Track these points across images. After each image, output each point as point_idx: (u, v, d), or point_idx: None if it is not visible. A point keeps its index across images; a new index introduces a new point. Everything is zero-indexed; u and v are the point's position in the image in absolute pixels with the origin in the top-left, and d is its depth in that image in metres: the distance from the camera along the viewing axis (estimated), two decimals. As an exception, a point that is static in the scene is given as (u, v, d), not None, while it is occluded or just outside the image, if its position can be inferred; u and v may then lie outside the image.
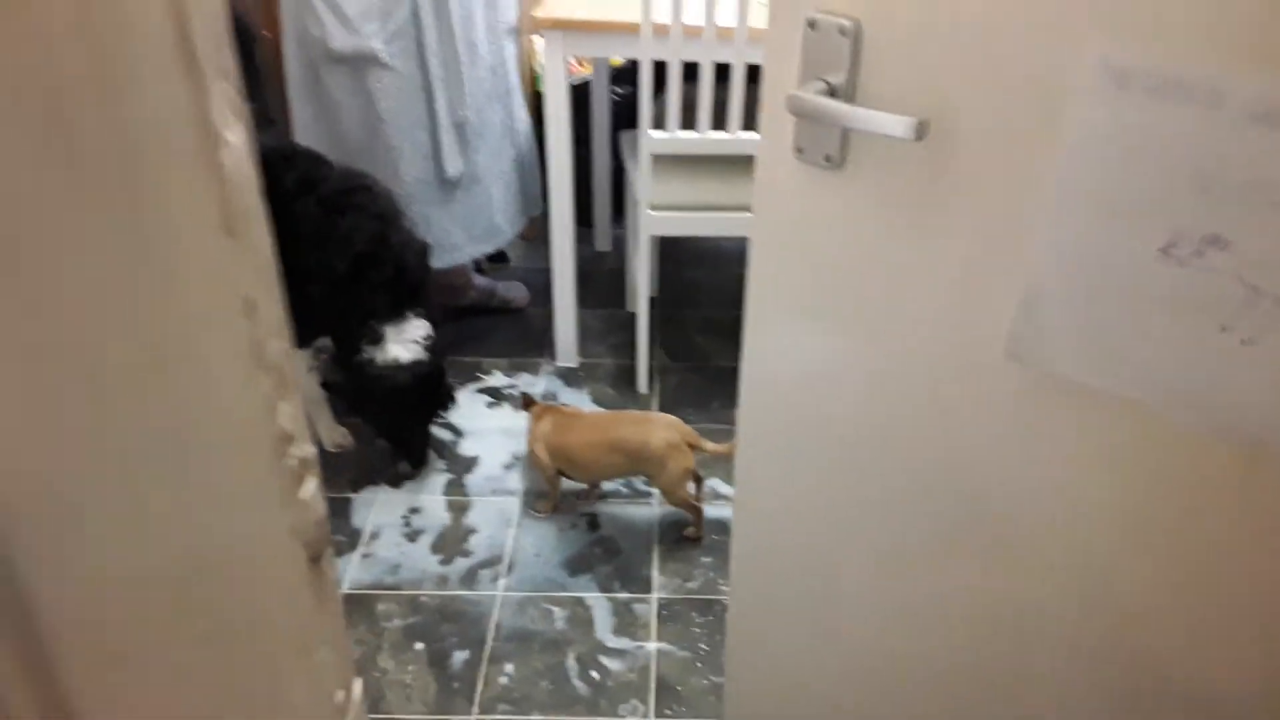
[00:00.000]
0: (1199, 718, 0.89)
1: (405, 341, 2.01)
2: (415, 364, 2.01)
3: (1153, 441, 0.78)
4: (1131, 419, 0.78)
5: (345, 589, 1.87)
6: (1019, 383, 0.83)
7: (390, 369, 1.99)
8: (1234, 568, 0.80)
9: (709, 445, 1.91)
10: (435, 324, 2.09)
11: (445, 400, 2.19)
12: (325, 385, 2.14)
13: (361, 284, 1.96)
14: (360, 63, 2.16)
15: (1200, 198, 0.67)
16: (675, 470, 1.90)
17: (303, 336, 2.14)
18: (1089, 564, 0.88)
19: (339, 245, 1.94)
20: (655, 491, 2.11)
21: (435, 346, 2.06)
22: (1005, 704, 1.01)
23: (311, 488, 0.36)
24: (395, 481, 2.16)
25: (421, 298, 2.06)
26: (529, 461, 2.13)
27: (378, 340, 2.00)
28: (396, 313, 2.01)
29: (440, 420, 2.34)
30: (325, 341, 2.15)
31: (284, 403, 0.33)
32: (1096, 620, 0.91)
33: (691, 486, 1.96)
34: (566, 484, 2.13)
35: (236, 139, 0.28)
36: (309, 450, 0.36)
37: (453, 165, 2.27)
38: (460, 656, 1.73)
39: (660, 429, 1.92)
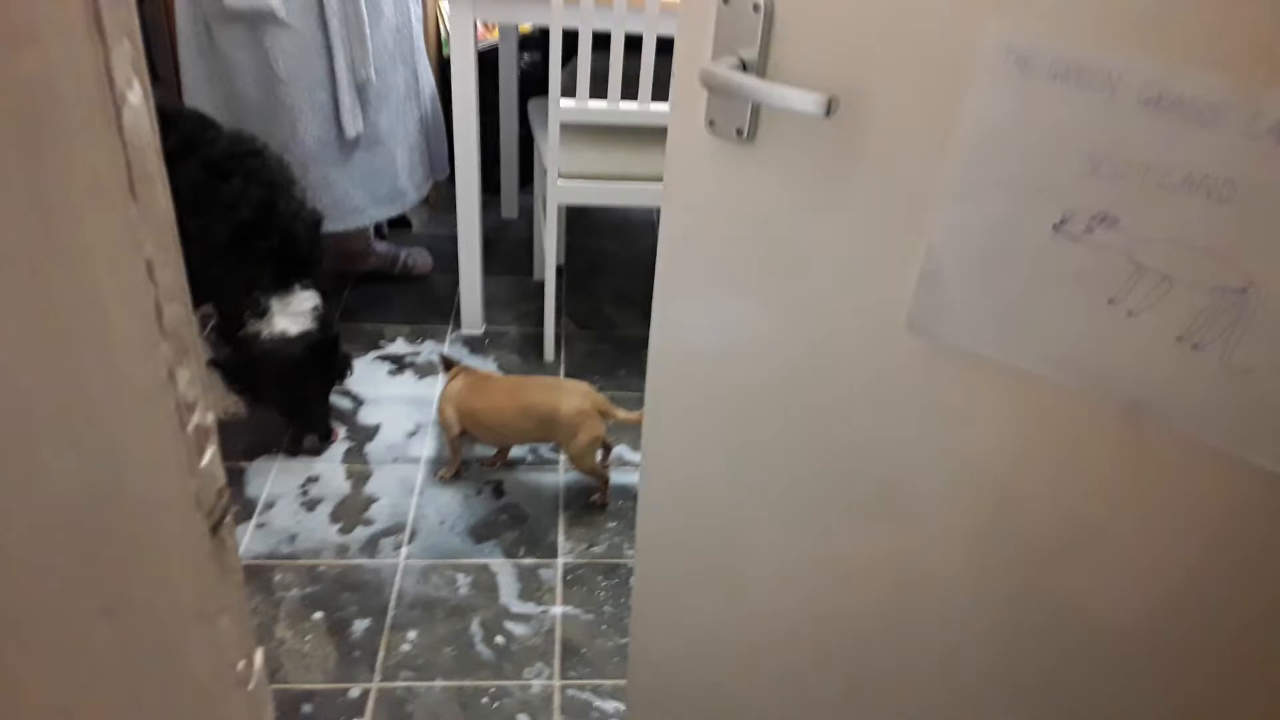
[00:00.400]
0: (1084, 649, 0.95)
1: (293, 314, 1.95)
2: (304, 335, 1.95)
3: (1044, 408, 0.83)
4: (1024, 388, 0.82)
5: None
6: (919, 355, 0.87)
7: (278, 342, 1.93)
8: (1116, 512, 0.85)
9: (620, 413, 1.93)
10: (325, 295, 2.02)
11: (341, 370, 2.14)
12: (212, 363, 2.04)
13: (244, 253, 1.89)
14: (256, 20, 2.08)
15: (1092, 178, 0.71)
16: (585, 438, 1.91)
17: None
18: (986, 523, 0.93)
19: (221, 212, 1.87)
20: (562, 458, 2.12)
21: (325, 317, 2.00)
22: (906, 657, 1.06)
23: (211, 456, 0.35)
24: (293, 449, 2.11)
25: (311, 269, 1.99)
26: (438, 422, 2.12)
27: (263, 313, 1.93)
28: (283, 284, 1.94)
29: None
30: (209, 310, 2.08)
31: (183, 369, 0.32)
32: (994, 576, 0.96)
33: (599, 454, 1.98)
34: (475, 451, 2.12)
35: (137, 99, 0.27)
36: (208, 418, 0.35)
37: (352, 125, 2.21)
38: (361, 625, 1.71)
39: (572, 396, 1.93)
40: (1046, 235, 0.75)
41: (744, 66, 0.82)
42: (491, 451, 2.12)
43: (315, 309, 1.97)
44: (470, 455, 2.12)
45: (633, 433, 2.15)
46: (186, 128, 1.94)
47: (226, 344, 2.00)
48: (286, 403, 2.05)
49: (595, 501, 2.02)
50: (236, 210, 1.87)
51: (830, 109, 0.77)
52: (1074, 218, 0.74)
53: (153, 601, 0.29)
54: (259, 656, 0.41)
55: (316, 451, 2.11)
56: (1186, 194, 0.69)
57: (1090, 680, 0.95)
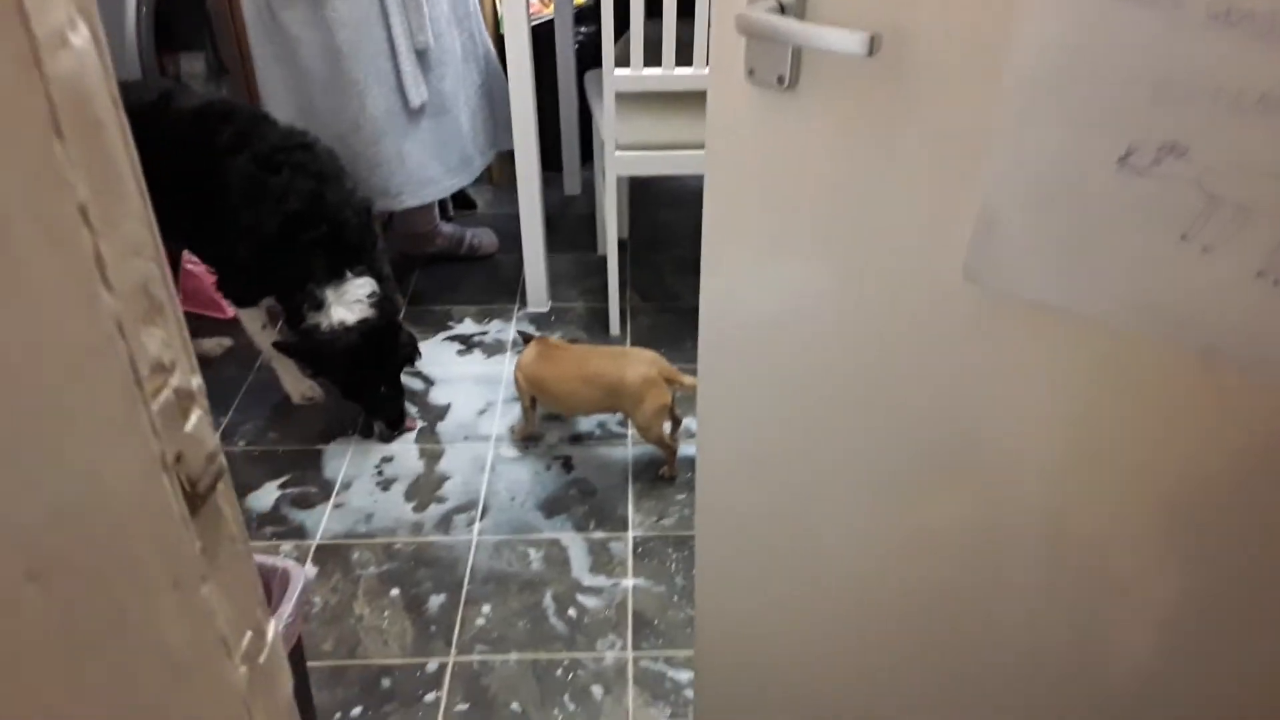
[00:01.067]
0: (1155, 624, 0.90)
1: (349, 303, 1.95)
2: (362, 324, 1.95)
3: (1113, 357, 0.78)
4: (1091, 336, 0.78)
5: (318, 539, 1.87)
6: (979, 306, 0.83)
7: (338, 332, 1.94)
8: (1194, 461, 0.80)
9: (687, 380, 1.89)
10: (383, 278, 2.01)
11: (408, 354, 2.11)
12: (276, 345, 2.08)
13: (293, 245, 1.90)
14: (315, -7, 2.11)
15: (1159, 105, 0.66)
16: (651, 406, 1.89)
17: (245, 296, 2.09)
18: (1054, 481, 0.88)
19: (271, 204, 1.89)
20: (630, 431, 2.12)
21: (383, 302, 1.99)
22: (973, 625, 1.02)
23: (197, 421, 0.34)
24: (365, 433, 2.14)
25: (365, 256, 1.99)
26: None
27: (319, 305, 1.94)
28: (335, 274, 1.94)
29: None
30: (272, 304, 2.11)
31: (154, 328, 0.31)
32: (1064, 534, 0.91)
33: (668, 426, 1.96)
34: (549, 426, 2.13)
35: (83, 42, 0.26)
36: (193, 381, 0.34)
37: (416, 94, 2.23)
38: (436, 600, 1.73)
39: (638, 364, 1.91)
40: (1110, 170, 0.70)
41: (782, 9, 0.78)
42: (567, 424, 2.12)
43: (372, 295, 1.97)
44: (539, 432, 2.13)
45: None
46: (240, 122, 1.96)
47: (294, 332, 2.03)
48: (353, 389, 2.06)
49: (663, 474, 2.00)
50: (285, 202, 1.89)
51: (873, 47, 0.74)
52: (1140, 149, 0.69)
53: (101, 569, 0.28)
54: (272, 627, 0.41)
55: (386, 439, 2.13)
56: (1261, 116, 0.63)
57: (1176, 646, 0.90)
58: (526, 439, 2.11)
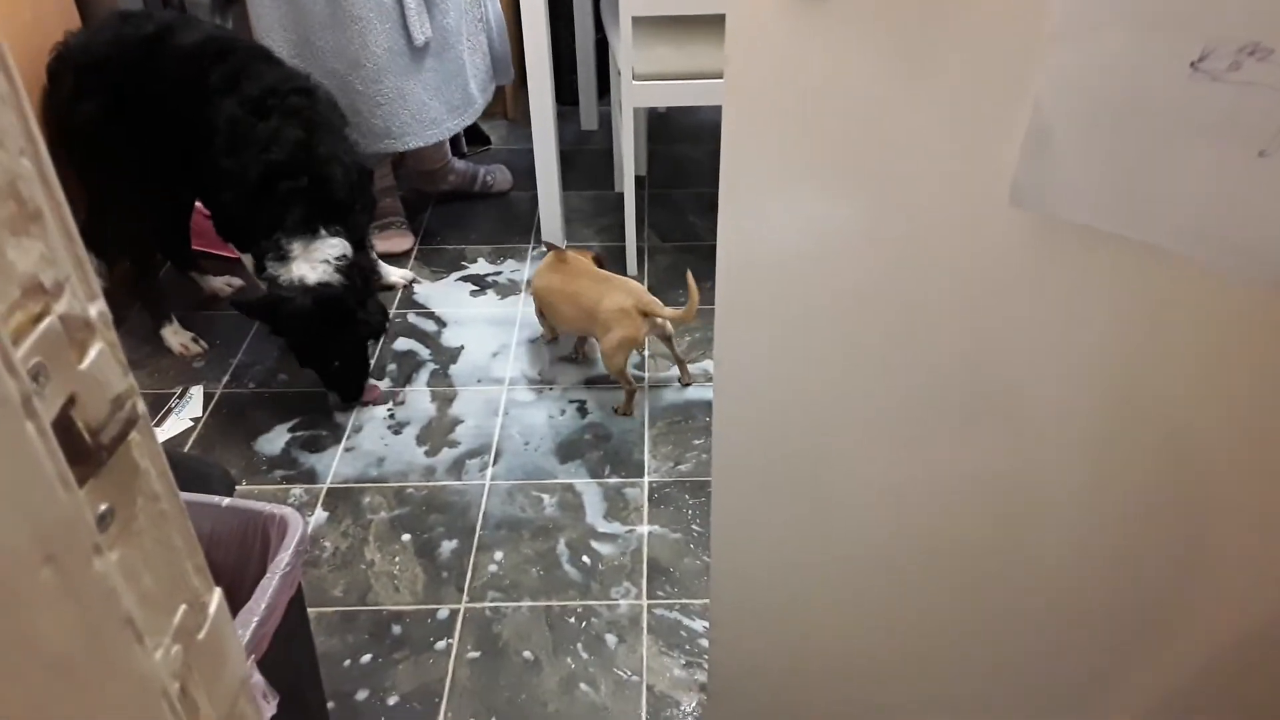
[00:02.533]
0: (1219, 571, 0.84)
1: (314, 261, 1.80)
2: (321, 286, 1.80)
3: (1175, 289, 0.70)
4: (1152, 266, 0.70)
5: (329, 483, 1.83)
6: (1026, 233, 0.75)
7: (293, 290, 1.79)
8: (1261, 407, 0.73)
9: (665, 310, 1.88)
10: (360, 247, 1.89)
11: (374, 328, 1.95)
12: (234, 304, 1.96)
13: (271, 194, 1.79)
14: (316, -72, 2.00)
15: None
16: (616, 336, 1.87)
17: (239, 241, 1.97)
18: (1099, 430, 0.81)
19: (254, 151, 1.78)
20: (647, 375, 2.06)
21: (350, 270, 1.84)
22: (999, 580, 0.96)
23: (98, 355, 0.28)
24: (330, 412, 2.00)
25: (346, 217, 1.86)
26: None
27: (284, 257, 1.81)
28: (308, 228, 1.81)
29: (423, 313, 2.26)
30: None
31: (27, 239, 0.25)
32: (1107, 494, 0.85)
33: (633, 356, 1.95)
34: (554, 372, 2.07)
35: None
36: (90, 308, 0.28)
37: (420, 30, 2.12)
38: (448, 546, 1.70)
39: (616, 292, 1.89)
40: (1181, 77, 0.62)
41: (808, -100, 0.70)
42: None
43: (341, 258, 1.82)
44: (552, 376, 2.07)
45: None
46: (236, 62, 1.84)
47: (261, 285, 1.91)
48: (304, 357, 1.92)
49: (618, 411, 1.97)
50: (268, 150, 1.78)
51: (911, -60, 0.65)
52: (1216, 52, 0.60)
53: None
54: (216, 598, 0.35)
55: (340, 410, 1.99)
56: (1369, 6, 0.54)
57: (1227, 607, 0.83)
58: (551, 340, 2.14)
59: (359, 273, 1.87)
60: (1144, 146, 0.65)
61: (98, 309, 0.29)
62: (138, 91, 1.83)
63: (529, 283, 2.07)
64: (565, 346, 2.13)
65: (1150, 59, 0.62)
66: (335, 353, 1.91)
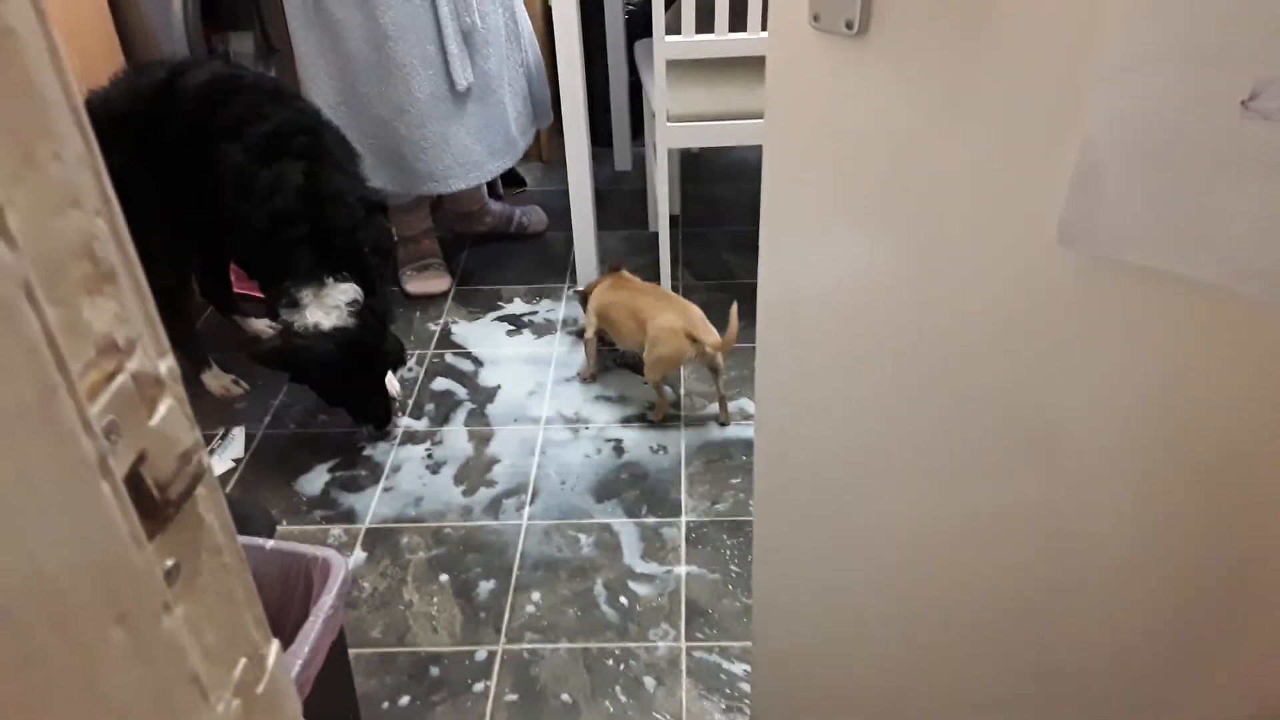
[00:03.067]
0: (1249, 625, 0.81)
1: (326, 307, 1.81)
2: (337, 332, 1.80)
3: (1227, 328, 0.69)
4: (1203, 304, 0.69)
5: (367, 523, 1.83)
6: (1074, 272, 0.74)
7: (311, 337, 1.80)
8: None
9: (712, 338, 1.93)
10: (373, 290, 1.87)
11: (393, 361, 1.98)
12: (250, 355, 1.93)
13: (276, 241, 1.78)
14: (360, -24, 2.05)
15: (1291, 37, 0.57)
16: (662, 351, 1.95)
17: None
18: (1153, 468, 0.80)
19: (258, 200, 1.76)
20: (683, 413, 2.05)
21: (365, 314, 1.85)
22: (1043, 620, 0.94)
23: (167, 411, 0.28)
24: (368, 452, 2.02)
25: (352, 261, 1.85)
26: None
27: (296, 304, 1.81)
28: (314, 276, 1.80)
29: (460, 353, 2.28)
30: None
31: (101, 299, 0.25)
32: (1155, 532, 0.83)
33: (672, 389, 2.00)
34: (590, 408, 2.07)
35: None
36: (160, 365, 0.28)
37: (463, 76, 2.16)
38: (486, 587, 1.69)
39: (670, 312, 1.97)
40: (1232, 114, 0.61)
41: (849, -55, 0.70)
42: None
43: (353, 303, 1.82)
44: (588, 415, 2.07)
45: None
46: (243, 103, 1.82)
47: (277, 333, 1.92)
48: (331, 396, 1.95)
49: (649, 417, 2.05)
50: (271, 199, 1.76)
51: (954, -17, 0.65)
52: (1268, 89, 0.60)
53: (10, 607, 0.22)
54: (274, 651, 0.35)
55: (375, 438, 2.03)
56: None
57: (1276, 645, 0.81)
58: (588, 380, 2.17)
59: (373, 315, 1.87)
60: (1196, 184, 0.64)
61: (167, 365, 0.29)
62: (155, 140, 1.83)
63: (588, 309, 2.14)
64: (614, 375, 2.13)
65: (1200, 96, 0.61)
66: (358, 388, 1.95)
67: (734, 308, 1.94)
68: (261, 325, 2.33)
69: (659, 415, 2.04)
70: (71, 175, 0.25)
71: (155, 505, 0.28)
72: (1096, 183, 0.67)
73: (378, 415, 2.00)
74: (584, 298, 2.20)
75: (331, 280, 1.81)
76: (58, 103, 0.24)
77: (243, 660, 0.32)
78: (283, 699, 0.35)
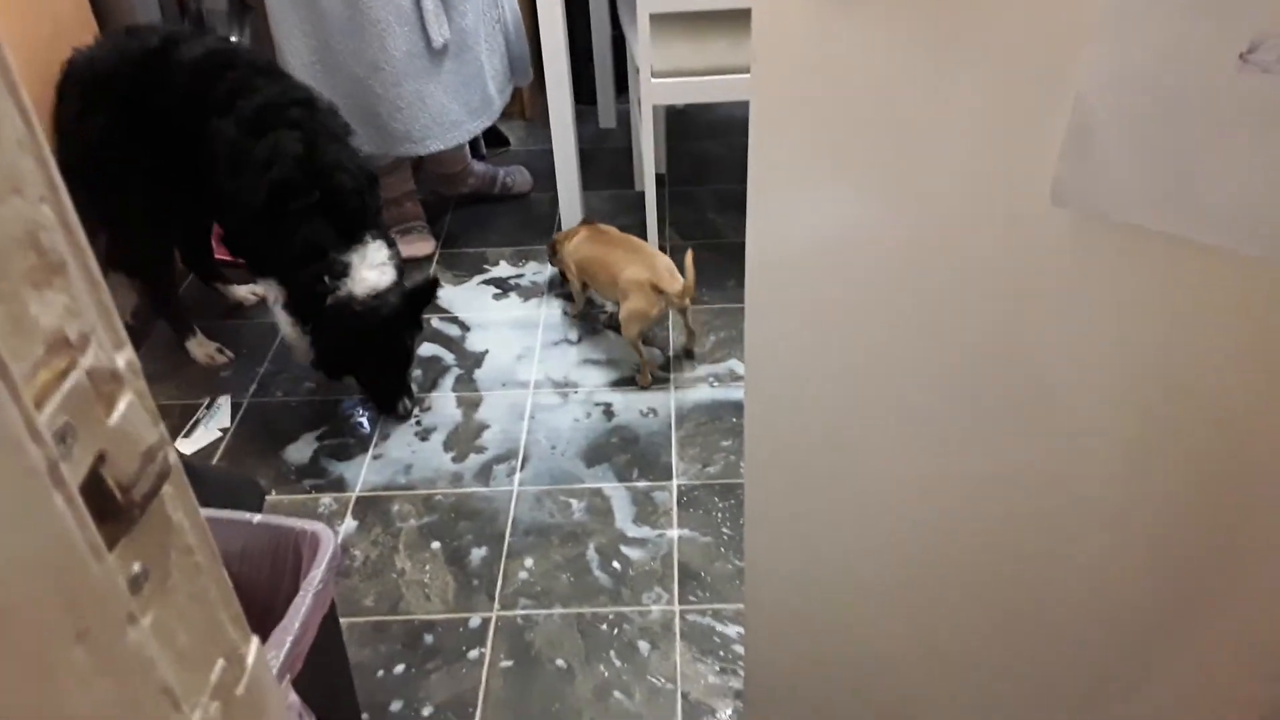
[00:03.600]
0: (1263, 577, 0.81)
1: (376, 266, 1.78)
2: (396, 286, 1.81)
3: (1224, 288, 0.68)
4: (1200, 264, 0.68)
5: (357, 491, 1.83)
6: (1067, 232, 0.73)
7: (379, 297, 1.78)
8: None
9: (672, 286, 1.95)
10: (392, 246, 1.86)
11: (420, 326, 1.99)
12: (314, 364, 1.88)
13: (283, 216, 1.73)
14: (332, -68, 1.99)
15: (1293, -14, 0.55)
16: (630, 306, 1.97)
17: (254, 267, 1.91)
18: (1148, 431, 0.79)
19: (254, 173, 1.71)
20: (673, 375, 2.04)
21: (401, 268, 1.85)
22: (1040, 587, 0.94)
23: (127, 408, 0.26)
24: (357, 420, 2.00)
25: (370, 221, 1.83)
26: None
27: (343, 272, 1.76)
28: (353, 238, 1.77)
29: (446, 318, 2.26)
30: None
31: (51, 292, 0.23)
32: (1145, 494, 0.82)
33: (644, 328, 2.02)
34: (573, 371, 2.06)
35: None
36: (118, 358, 0.27)
37: (438, 32, 2.11)
38: (478, 554, 1.69)
39: (636, 265, 2.00)
40: (1230, 68, 0.59)
41: (836, -104, 0.68)
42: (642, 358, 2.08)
43: (391, 256, 1.82)
44: (577, 379, 2.06)
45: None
46: (237, 78, 1.77)
47: (298, 317, 1.85)
48: (381, 365, 1.91)
49: (638, 382, 2.04)
50: (269, 169, 1.71)
51: (945, -65, 0.63)
52: (1267, 42, 0.58)
53: None
54: (253, 648, 0.34)
55: (407, 415, 1.98)
56: None
57: (1264, 602, 0.81)
58: (576, 317, 2.22)
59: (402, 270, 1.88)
60: (1191, 140, 0.62)
61: (125, 358, 0.28)
62: (143, 106, 1.80)
63: (564, 264, 2.17)
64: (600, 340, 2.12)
65: (1197, 50, 0.60)
66: (404, 352, 1.93)
67: (689, 255, 1.97)
68: (244, 292, 2.30)
69: (645, 379, 2.03)
70: (11, 160, 0.23)
71: (118, 508, 0.27)
72: (1090, 141, 0.66)
73: (409, 387, 1.98)
74: (552, 249, 2.23)
75: (368, 238, 1.79)
76: (-5, 84, 0.23)
77: (220, 662, 0.31)
78: (265, 697, 0.34)
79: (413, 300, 1.86)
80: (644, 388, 2.03)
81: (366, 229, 1.80)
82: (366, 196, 1.83)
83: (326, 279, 1.77)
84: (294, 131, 1.74)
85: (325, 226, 1.76)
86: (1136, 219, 0.67)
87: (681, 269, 1.98)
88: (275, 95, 1.78)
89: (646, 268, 1.98)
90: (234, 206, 1.77)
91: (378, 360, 1.90)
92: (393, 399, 1.96)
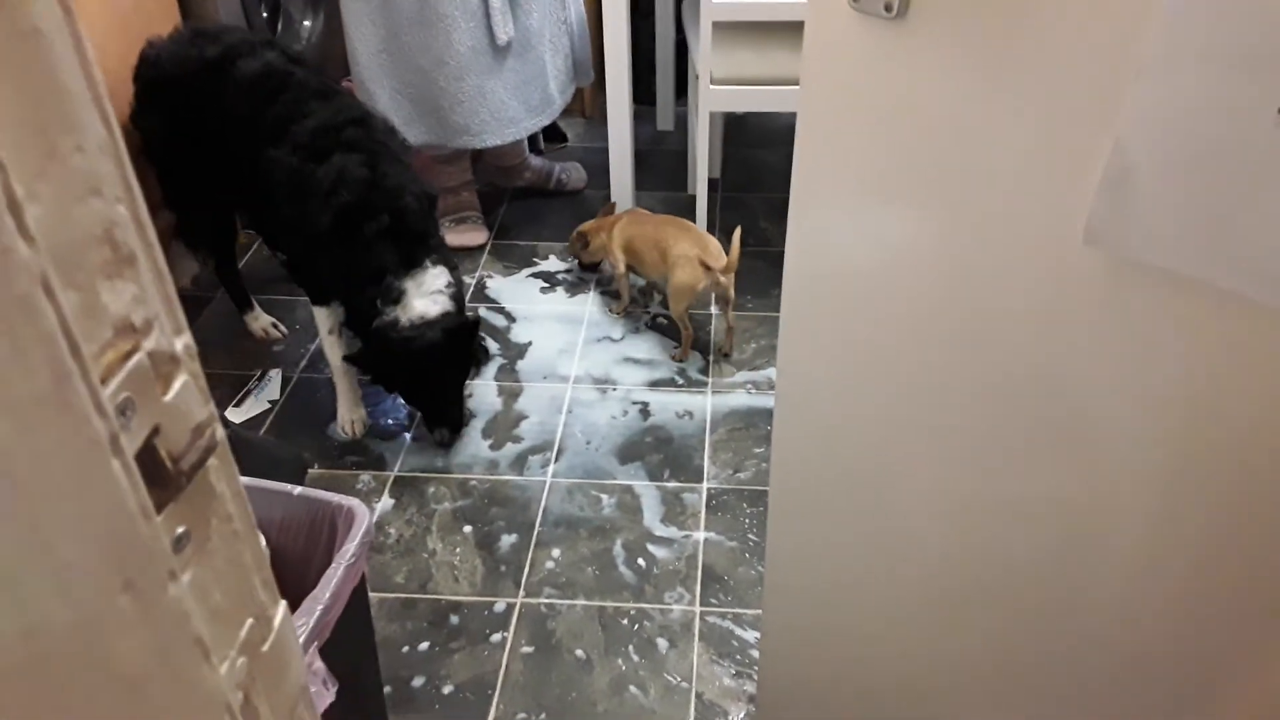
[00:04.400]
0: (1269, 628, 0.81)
1: (428, 294, 1.75)
2: (444, 317, 1.76)
3: (1252, 335, 0.68)
4: (1228, 311, 0.68)
5: (396, 471, 1.87)
6: (1099, 271, 0.73)
7: (419, 328, 1.74)
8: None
9: (718, 263, 2.02)
10: (454, 268, 1.83)
11: (479, 358, 1.97)
12: (348, 359, 1.87)
13: (353, 240, 1.70)
14: (407, -72, 2.04)
15: (1335, 44, 0.56)
16: (679, 279, 2.03)
17: (314, 292, 1.89)
18: (1175, 468, 0.79)
19: (319, 199, 1.68)
20: (710, 380, 2.06)
21: (459, 296, 1.82)
22: (1061, 618, 0.95)
23: (181, 387, 0.29)
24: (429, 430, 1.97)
25: (431, 243, 1.80)
26: (608, 262, 2.28)
27: (398, 298, 1.74)
28: (413, 263, 1.75)
29: (494, 307, 2.30)
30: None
31: (122, 282, 0.26)
32: (1176, 530, 0.83)
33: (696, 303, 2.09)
34: (611, 369, 2.09)
35: None
36: (176, 342, 0.29)
37: (503, 30, 2.15)
38: (508, 540, 1.73)
39: (685, 241, 2.07)
40: (1268, 120, 0.60)
41: (891, -72, 0.69)
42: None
43: (449, 285, 1.79)
44: (617, 376, 2.09)
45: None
46: (290, 101, 1.74)
47: (359, 336, 1.83)
48: (426, 394, 1.89)
49: (673, 357, 2.13)
50: (336, 194, 1.67)
51: (994, -28, 0.64)
52: (1308, 97, 0.59)
53: (14, 579, 0.24)
54: (281, 611, 0.37)
55: (448, 444, 1.93)
56: None
57: (1299, 653, 0.81)
58: (621, 315, 2.26)
59: (462, 297, 1.85)
60: (1227, 190, 0.63)
61: (183, 342, 0.31)
62: (197, 118, 1.81)
63: (610, 250, 2.21)
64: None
65: (1236, 102, 0.60)
66: (452, 385, 1.90)
67: (737, 231, 2.01)
68: (265, 323, 2.23)
69: (685, 353, 2.11)
70: (93, 165, 0.26)
71: (168, 476, 0.30)
72: (1127, 184, 0.66)
73: (455, 417, 1.93)
74: (583, 240, 2.26)
75: (428, 264, 1.76)
76: (81, 95, 0.26)
77: (249, 621, 0.34)
78: (288, 656, 0.37)
79: (453, 338, 1.79)
80: (680, 361, 2.11)
81: (428, 253, 1.78)
82: (429, 219, 1.81)
83: (379, 302, 1.75)
84: (355, 154, 1.71)
85: (390, 250, 1.73)
86: (1168, 263, 0.68)
87: (748, 285, 2.05)
88: (329, 116, 1.75)
89: (696, 244, 2.06)
90: (297, 231, 1.75)
91: (413, 387, 1.88)
92: (432, 424, 1.92)
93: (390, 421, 2.00)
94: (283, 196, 1.73)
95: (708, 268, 2.01)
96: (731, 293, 2.06)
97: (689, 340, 2.11)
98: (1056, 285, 0.77)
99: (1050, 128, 0.71)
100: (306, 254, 1.79)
